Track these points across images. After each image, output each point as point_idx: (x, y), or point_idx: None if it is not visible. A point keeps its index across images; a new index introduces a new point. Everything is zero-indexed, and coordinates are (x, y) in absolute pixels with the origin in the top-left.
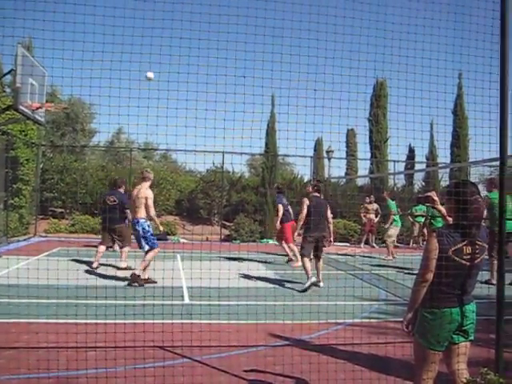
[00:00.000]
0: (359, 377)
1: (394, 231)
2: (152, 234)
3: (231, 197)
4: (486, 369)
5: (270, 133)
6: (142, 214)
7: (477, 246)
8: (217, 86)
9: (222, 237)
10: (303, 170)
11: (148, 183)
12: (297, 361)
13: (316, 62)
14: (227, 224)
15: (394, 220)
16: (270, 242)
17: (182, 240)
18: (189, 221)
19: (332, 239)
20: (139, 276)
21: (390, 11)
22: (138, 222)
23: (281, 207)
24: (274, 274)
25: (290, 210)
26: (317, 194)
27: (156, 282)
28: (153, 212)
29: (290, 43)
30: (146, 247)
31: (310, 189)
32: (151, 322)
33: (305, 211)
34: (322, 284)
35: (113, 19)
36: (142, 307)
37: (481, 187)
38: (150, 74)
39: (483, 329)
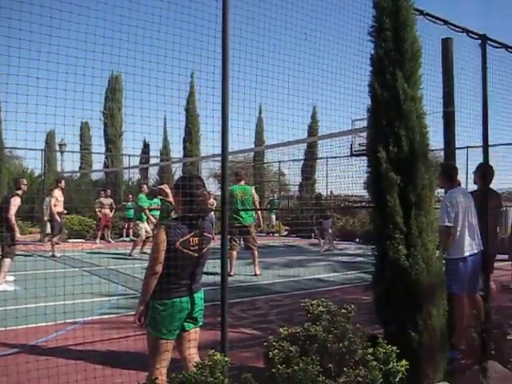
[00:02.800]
0: (93, 375)
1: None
2: None
3: None
4: (213, 350)
5: None
6: None
7: (203, 237)
8: None
9: None
10: (34, 163)
11: None
12: (23, 369)
13: (48, 48)
14: None
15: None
16: None
17: None
18: None
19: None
20: None
21: (119, 3)
22: None
23: None
24: None
25: None
26: None
27: None
28: None
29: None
30: None
31: None
32: None
33: None
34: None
35: None
36: None
37: (211, 180)
38: None
39: (212, 313)
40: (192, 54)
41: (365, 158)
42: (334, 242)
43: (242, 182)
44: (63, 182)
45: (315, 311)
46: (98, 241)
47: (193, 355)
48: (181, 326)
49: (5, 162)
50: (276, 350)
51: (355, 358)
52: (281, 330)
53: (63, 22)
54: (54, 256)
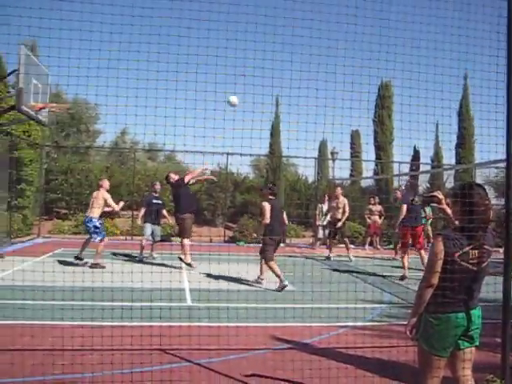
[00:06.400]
0: (362, 382)
1: None
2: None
3: (235, 198)
4: (491, 375)
5: (275, 134)
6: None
7: (483, 250)
8: (218, 85)
9: (226, 238)
10: (307, 171)
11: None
12: (298, 366)
13: (319, 60)
14: (231, 225)
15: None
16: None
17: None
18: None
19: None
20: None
21: (393, 9)
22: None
23: None
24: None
25: None
26: (273, 198)
27: (104, 267)
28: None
29: (291, 41)
30: (98, 238)
31: (267, 193)
32: (148, 324)
33: (268, 214)
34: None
35: (120, 17)
36: (139, 310)
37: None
38: (234, 99)
39: (489, 333)
40: (470, 53)
41: None
42: None
43: None
44: (339, 189)
45: None
46: (366, 247)
47: (467, 377)
48: (455, 344)
49: (282, 169)
50: None
51: None
52: None
53: (323, 31)
54: (328, 258)
